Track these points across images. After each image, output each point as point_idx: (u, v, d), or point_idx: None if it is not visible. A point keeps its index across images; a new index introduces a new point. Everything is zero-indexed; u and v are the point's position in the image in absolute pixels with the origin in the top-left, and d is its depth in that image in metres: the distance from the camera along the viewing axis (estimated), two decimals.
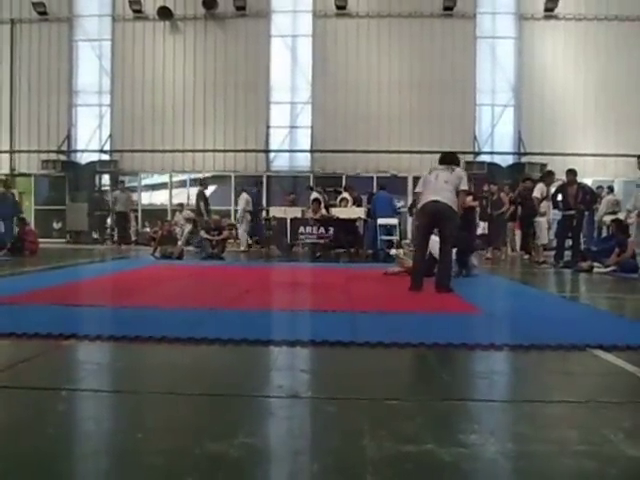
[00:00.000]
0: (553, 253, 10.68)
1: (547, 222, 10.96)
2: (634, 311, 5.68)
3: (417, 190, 6.61)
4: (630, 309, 5.83)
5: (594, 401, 2.48)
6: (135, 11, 18.73)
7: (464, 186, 6.28)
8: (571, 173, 10.26)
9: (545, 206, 10.85)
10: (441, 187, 6.08)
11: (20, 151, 19.21)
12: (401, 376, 2.91)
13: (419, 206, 6.36)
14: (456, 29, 18.42)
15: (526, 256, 11.49)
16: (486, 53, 18.71)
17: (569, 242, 10.50)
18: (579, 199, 10.05)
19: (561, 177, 11.13)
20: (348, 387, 2.69)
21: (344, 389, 2.65)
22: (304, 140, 18.94)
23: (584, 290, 7.82)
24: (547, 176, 11.29)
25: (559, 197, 10.42)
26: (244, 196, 14.62)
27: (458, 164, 6.92)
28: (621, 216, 10.76)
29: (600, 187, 13.92)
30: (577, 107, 18.09)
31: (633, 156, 15.64)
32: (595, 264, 9.32)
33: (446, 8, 18.20)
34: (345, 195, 13.27)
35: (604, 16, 18.08)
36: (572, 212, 10.07)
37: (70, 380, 2.79)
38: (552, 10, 18.12)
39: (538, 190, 10.82)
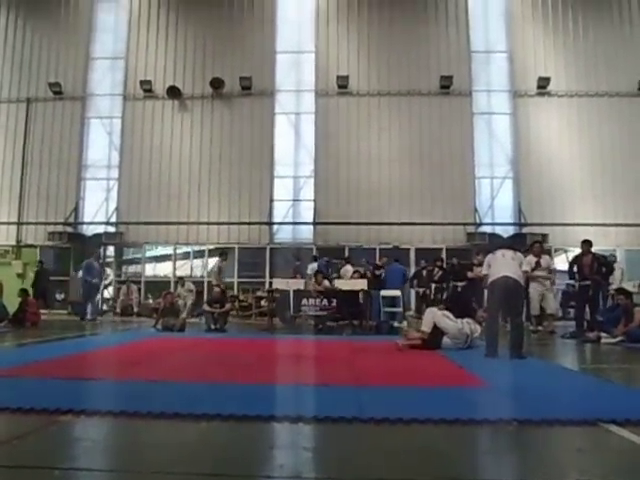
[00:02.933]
0: (558, 323, 10.56)
1: (539, 293, 10.77)
2: None
3: (484, 272, 7.19)
4: None
5: None
6: (145, 90, 19.63)
7: (525, 267, 7.12)
8: (586, 244, 10.40)
9: (542, 275, 10.78)
10: (509, 263, 6.81)
11: (27, 223, 19.53)
12: (407, 454, 2.80)
13: (490, 281, 6.90)
14: (453, 106, 19.14)
15: (531, 327, 11.35)
16: (483, 128, 19.35)
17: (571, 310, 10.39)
18: (594, 269, 10.09)
19: (562, 247, 11.17)
20: (352, 466, 2.59)
21: (348, 469, 2.55)
22: (307, 213, 19.24)
23: (593, 361, 7.65)
24: (533, 247, 11.28)
25: (574, 268, 10.47)
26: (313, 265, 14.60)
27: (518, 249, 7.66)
28: (627, 285, 10.72)
29: (612, 256, 13.87)
30: (574, 178, 18.48)
31: (632, 225, 15.84)
32: (602, 334, 9.19)
33: (443, 87, 19.01)
34: (355, 268, 13.46)
35: (594, 92, 18.85)
36: (587, 282, 10.08)
37: (64, 458, 2.70)
38: (544, 87, 18.92)
39: (526, 263, 10.79)
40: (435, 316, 7.48)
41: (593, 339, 9.14)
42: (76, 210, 19.57)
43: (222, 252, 14.73)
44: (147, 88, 19.59)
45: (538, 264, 10.66)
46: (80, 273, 15.42)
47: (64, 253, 19.40)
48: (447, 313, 7.66)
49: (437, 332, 7.40)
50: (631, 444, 2.92)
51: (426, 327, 7.44)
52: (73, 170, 19.78)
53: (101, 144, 20.05)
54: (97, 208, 19.76)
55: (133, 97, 19.89)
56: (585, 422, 3.29)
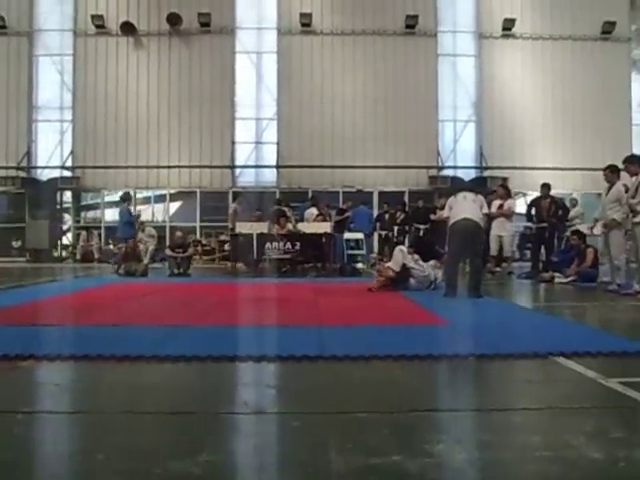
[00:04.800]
0: (515, 264, 10.89)
1: (498, 235, 11.02)
2: (593, 319, 5.83)
3: (446, 214, 7.20)
4: (589, 317, 5.99)
5: (556, 407, 2.53)
6: (97, 26, 18.56)
7: (485, 209, 7.18)
8: (545, 187, 10.63)
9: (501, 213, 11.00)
10: (470, 206, 6.85)
11: None
12: (368, 389, 2.90)
13: (451, 223, 6.93)
14: (418, 47, 18.86)
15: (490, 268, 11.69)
16: (447, 70, 19.20)
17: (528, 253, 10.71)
18: (551, 212, 10.35)
19: (521, 190, 11.38)
20: (314, 402, 2.67)
21: (310, 404, 2.63)
22: (270, 156, 18.98)
23: (546, 300, 7.99)
24: (497, 190, 11.49)
25: (532, 210, 10.71)
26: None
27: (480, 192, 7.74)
28: (582, 227, 11.07)
29: (574, 199, 14.17)
30: (535, 122, 18.68)
31: (590, 169, 16.22)
32: (556, 274, 9.55)
33: (408, 26, 18.62)
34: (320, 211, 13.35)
35: (559, 35, 18.82)
36: (544, 225, 10.35)
37: (27, 402, 2.69)
38: (509, 29, 18.78)
39: (490, 206, 10.98)
40: (405, 257, 7.53)
41: (547, 279, 9.51)
42: (28, 154, 18.77)
43: (237, 195, 14.34)
44: (99, 23, 18.51)
45: (501, 206, 10.86)
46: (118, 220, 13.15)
47: (18, 199, 18.73)
48: (417, 257, 7.68)
49: (405, 272, 7.48)
50: (576, 374, 3.09)
51: (395, 266, 7.48)
52: (23, 111, 18.84)
53: (52, 84, 19.07)
54: (51, 152, 19.02)
55: (84, 33, 18.81)
56: (536, 355, 3.46)
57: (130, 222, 11.97)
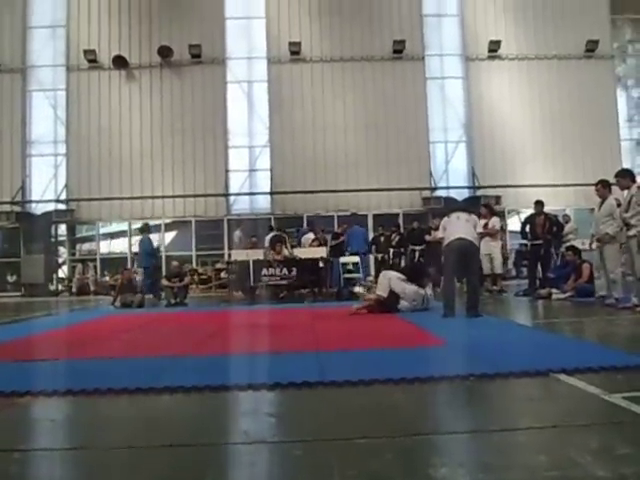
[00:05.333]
0: (512, 281, 10.91)
1: (487, 254, 11.03)
2: (593, 334, 5.81)
3: (440, 235, 7.24)
4: (589, 332, 5.97)
5: (559, 425, 2.50)
6: (90, 61, 18.80)
7: (479, 229, 7.33)
8: (538, 204, 10.73)
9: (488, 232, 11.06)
10: (463, 226, 6.91)
11: None
12: (369, 413, 2.87)
13: (446, 243, 6.95)
14: (406, 71, 19.15)
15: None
16: (436, 93, 19.48)
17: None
18: (546, 229, 10.42)
19: (514, 208, 11.45)
20: (315, 429, 2.63)
21: (311, 431, 2.59)
22: (264, 183, 19.08)
23: (544, 316, 7.97)
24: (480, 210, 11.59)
25: (527, 227, 10.78)
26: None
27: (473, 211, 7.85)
28: (576, 243, 11.12)
29: (566, 216, 14.22)
30: (525, 140, 18.90)
31: (581, 185, 16.36)
32: (553, 290, 9.55)
33: (396, 51, 18.95)
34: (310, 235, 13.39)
35: (544, 55, 19.17)
36: (540, 241, 10.41)
37: (24, 440, 2.64)
38: (495, 51, 19.13)
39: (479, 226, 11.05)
40: (391, 280, 7.57)
41: (545, 295, 9.50)
42: (23, 188, 18.81)
43: (239, 223, 14.24)
44: (91, 58, 18.75)
45: (486, 226, 10.92)
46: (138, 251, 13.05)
47: (13, 233, 18.69)
48: (401, 275, 7.72)
49: (393, 296, 7.49)
50: (579, 390, 3.07)
51: (382, 292, 7.51)
52: (17, 146, 18.93)
53: (46, 118, 19.21)
54: (45, 185, 19.07)
55: (77, 68, 19.04)
56: (537, 373, 3.44)
57: (151, 253, 11.96)
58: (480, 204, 16.44)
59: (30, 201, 19.03)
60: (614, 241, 7.70)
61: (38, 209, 18.98)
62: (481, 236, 10.20)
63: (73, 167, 18.92)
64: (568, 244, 11.34)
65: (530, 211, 11.59)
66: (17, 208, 18.57)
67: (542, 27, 19.23)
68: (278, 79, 19.13)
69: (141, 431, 2.74)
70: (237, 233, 14.05)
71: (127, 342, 5.91)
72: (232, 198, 19.14)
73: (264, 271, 11.09)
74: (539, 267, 10.79)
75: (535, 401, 3.05)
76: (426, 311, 7.49)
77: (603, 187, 7.97)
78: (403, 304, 7.51)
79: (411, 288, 7.57)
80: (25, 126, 19.12)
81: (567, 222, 12.97)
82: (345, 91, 19.11)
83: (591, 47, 19.07)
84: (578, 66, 19.21)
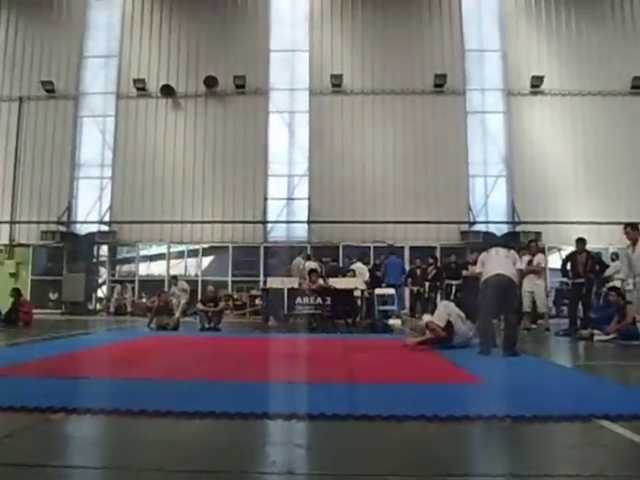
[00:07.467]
0: (550, 320, 10.62)
1: (530, 291, 10.79)
2: (638, 379, 5.56)
3: (478, 270, 7.15)
4: (634, 377, 5.71)
5: (601, 475, 2.38)
6: (139, 89, 19.55)
7: (519, 265, 7.15)
8: (580, 242, 10.48)
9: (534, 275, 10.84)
10: (502, 261, 6.82)
11: (20, 222, 19.42)
12: (400, 450, 2.80)
13: (484, 279, 6.84)
14: (447, 104, 19.17)
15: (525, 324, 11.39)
16: (477, 126, 19.39)
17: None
18: (588, 267, 10.15)
19: (555, 245, 11.23)
20: (345, 463, 2.58)
21: (341, 465, 2.54)
22: (301, 211, 19.23)
23: (586, 358, 7.69)
24: (529, 246, 11.41)
25: (568, 265, 10.52)
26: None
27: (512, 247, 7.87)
28: (618, 283, 10.77)
29: (614, 254, 13.76)
30: (567, 176, 18.55)
31: (623, 224, 15.89)
32: (595, 331, 9.22)
33: (437, 85, 19.04)
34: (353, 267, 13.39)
35: (588, 91, 18.91)
36: (581, 280, 10.13)
37: (56, 456, 2.68)
38: (538, 86, 18.98)
39: (523, 261, 10.86)
40: (451, 314, 7.29)
41: (586, 336, 9.17)
42: (69, 209, 19.47)
43: (301, 250, 14.12)
44: (140, 87, 19.52)
45: (531, 262, 10.71)
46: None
47: (57, 252, 19.32)
48: (462, 314, 7.44)
49: (449, 328, 7.19)
50: (623, 439, 2.93)
51: (440, 321, 7.20)
52: (66, 169, 19.68)
53: (94, 143, 19.97)
54: (90, 207, 19.69)
55: (126, 96, 19.81)
56: (578, 418, 3.30)
57: None
58: (519, 240, 16.23)
59: (75, 222, 19.67)
60: None
61: (82, 230, 19.60)
62: (524, 273, 10.03)
63: (117, 190, 19.53)
64: (611, 284, 11.00)
65: (571, 248, 11.31)
66: (62, 228, 19.20)
67: (586, 62, 19.02)
68: (319, 110, 19.44)
69: (171, 454, 2.74)
70: (301, 260, 13.36)
71: (160, 365, 5.96)
72: (269, 225, 19.34)
73: (298, 300, 11.10)
74: (580, 307, 10.48)
75: (575, 447, 2.91)
76: (464, 348, 7.30)
77: (632, 229, 8.00)
78: (456, 339, 7.28)
79: (464, 328, 7.34)
80: (75, 150, 19.91)
81: (614, 260, 12.60)
82: (385, 123, 19.25)
83: (636, 84, 18.72)
84: (623, 103, 18.86)
